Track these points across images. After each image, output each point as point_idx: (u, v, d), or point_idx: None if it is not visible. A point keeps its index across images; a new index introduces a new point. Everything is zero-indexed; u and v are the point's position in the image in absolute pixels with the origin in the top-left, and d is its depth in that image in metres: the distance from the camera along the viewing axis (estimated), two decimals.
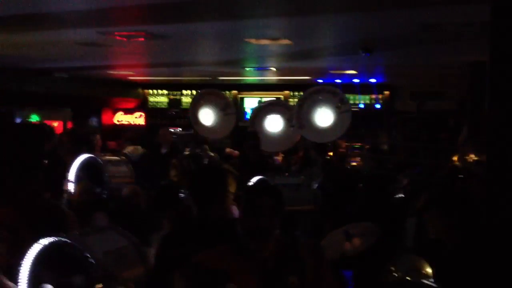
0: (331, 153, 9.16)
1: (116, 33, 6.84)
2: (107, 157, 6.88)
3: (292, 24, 6.44)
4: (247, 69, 10.83)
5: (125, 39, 7.15)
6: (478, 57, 7.74)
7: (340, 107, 7.61)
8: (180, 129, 14.30)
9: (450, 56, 8.34)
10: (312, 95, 7.83)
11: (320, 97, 7.71)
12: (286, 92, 13.66)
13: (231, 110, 8.25)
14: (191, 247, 2.90)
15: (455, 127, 11.58)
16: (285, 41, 7.24)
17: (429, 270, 2.87)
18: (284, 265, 2.55)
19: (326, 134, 7.72)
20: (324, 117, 7.64)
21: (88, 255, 3.10)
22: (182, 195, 5.28)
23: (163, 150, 8.43)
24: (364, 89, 12.99)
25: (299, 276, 2.52)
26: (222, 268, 2.50)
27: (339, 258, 3.80)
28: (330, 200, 5.76)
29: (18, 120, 12.65)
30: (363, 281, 4.09)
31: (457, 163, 6.54)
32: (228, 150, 9.39)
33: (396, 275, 2.94)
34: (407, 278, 2.90)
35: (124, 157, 7.09)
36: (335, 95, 7.74)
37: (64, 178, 5.92)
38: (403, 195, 5.52)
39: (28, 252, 3.26)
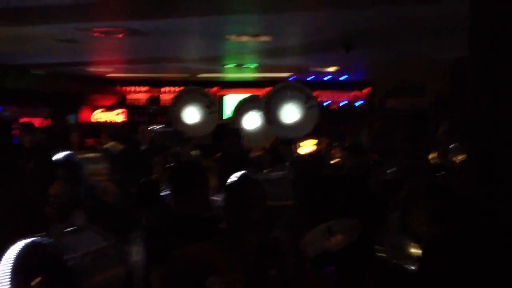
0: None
1: (94, 29, 6.74)
2: (85, 155, 6.79)
3: (272, 21, 6.41)
4: (228, 66, 10.79)
5: (103, 35, 7.06)
6: (459, 53, 7.79)
7: (307, 102, 7.61)
8: (160, 126, 14.21)
9: (431, 53, 8.39)
10: (279, 91, 7.83)
11: (287, 93, 7.71)
12: (267, 89, 13.63)
13: (215, 108, 8.22)
14: (167, 243, 2.87)
15: (433, 123, 11.66)
16: (265, 38, 7.21)
17: (413, 250, 2.85)
18: (265, 258, 2.57)
19: (293, 130, 7.73)
20: (291, 113, 7.65)
21: (67, 258, 3.04)
22: (163, 192, 5.23)
23: (143, 147, 8.36)
24: (344, 86, 13.03)
25: (279, 269, 2.54)
26: (205, 261, 2.49)
27: (321, 254, 3.78)
28: (302, 196, 5.74)
29: None
30: (346, 277, 4.08)
31: (436, 160, 6.55)
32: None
33: (380, 255, 2.93)
34: (391, 258, 2.89)
35: (102, 154, 6.99)
36: (301, 91, 7.75)
37: (50, 174, 5.85)
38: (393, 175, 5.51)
39: (5, 253, 3.19)
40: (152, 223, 4.19)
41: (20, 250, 3.16)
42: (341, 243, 3.82)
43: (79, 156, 6.50)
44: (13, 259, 3.15)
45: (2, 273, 3.18)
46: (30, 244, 3.17)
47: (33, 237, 3.21)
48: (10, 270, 3.17)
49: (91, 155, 6.83)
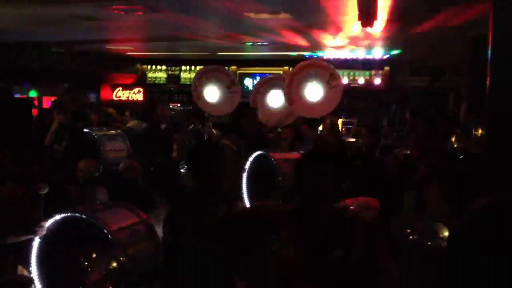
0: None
1: (114, 6, 6.76)
2: (103, 132, 6.85)
3: None
4: (247, 44, 10.75)
5: (122, 12, 7.08)
6: (479, 31, 7.67)
7: (331, 82, 7.52)
8: (179, 104, 14.26)
9: (452, 31, 8.27)
10: (302, 69, 7.75)
11: (310, 71, 7.62)
12: (286, 67, 13.58)
13: (236, 88, 8.18)
14: (183, 220, 2.90)
15: (454, 104, 11.56)
16: (285, 15, 7.16)
17: (446, 233, 2.80)
18: (332, 236, 2.49)
19: (316, 109, 7.65)
20: (314, 92, 7.57)
21: (105, 230, 3.11)
22: (182, 170, 5.30)
23: (163, 126, 8.42)
24: (364, 64, 12.91)
25: (345, 250, 2.45)
26: (267, 219, 2.47)
27: None
28: None
29: (16, 96, 12.64)
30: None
31: (455, 144, 6.50)
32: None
33: (412, 237, 2.88)
34: (425, 241, 2.83)
35: (120, 131, 7.05)
36: (325, 70, 7.66)
37: (86, 152, 5.95)
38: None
39: (44, 227, 3.26)
40: (166, 201, 4.25)
41: (59, 222, 3.24)
42: None
43: (97, 133, 6.57)
44: (50, 233, 3.24)
45: (36, 249, 3.27)
46: (69, 217, 3.26)
47: (70, 211, 3.30)
48: (46, 245, 3.26)
49: (110, 132, 6.90)
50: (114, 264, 3.06)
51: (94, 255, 3.01)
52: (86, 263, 3.04)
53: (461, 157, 5.32)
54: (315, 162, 2.61)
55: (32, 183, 4.21)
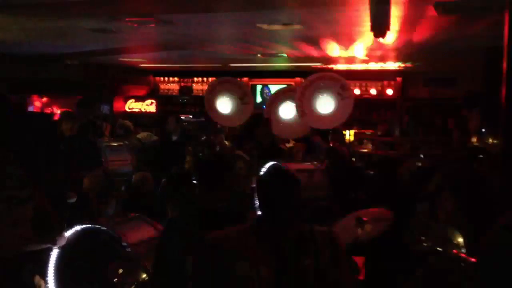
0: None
1: (127, 19, 6.82)
2: (106, 143, 6.89)
3: (304, 9, 6.38)
4: (259, 55, 10.77)
5: (135, 24, 7.13)
6: (493, 43, 7.63)
7: (341, 93, 7.53)
8: (191, 116, 14.32)
9: (464, 41, 8.24)
10: (314, 81, 7.76)
11: (321, 84, 7.63)
12: (298, 79, 13.59)
13: (248, 99, 8.21)
14: (194, 232, 2.90)
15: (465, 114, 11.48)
16: (297, 27, 7.18)
17: (460, 240, 2.76)
18: (300, 248, 2.56)
19: (328, 121, 7.65)
20: (325, 104, 7.57)
21: (125, 243, 3.12)
22: (195, 181, 5.30)
23: (174, 137, 8.45)
24: (376, 75, 12.90)
25: (314, 259, 2.54)
26: (235, 246, 2.51)
27: (351, 244, 3.79)
28: (335, 185, 5.74)
29: (30, 109, 12.74)
30: (375, 267, 4.07)
31: (476, 144, 6.48)
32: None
33: (426, 244, 2.85)
34: (437, 248, 2.80)
35: (127, 142, 7.08)
36: (336, 82, 7.67)
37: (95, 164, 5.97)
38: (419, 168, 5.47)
39: (64, 236, 3.27)
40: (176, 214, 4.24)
41: (79, 232, 3.24)
42: (371, 233, 3.81)
43: (101, 144, 6.61)
44: (69, 243, 3.24)
45: (54, 259, 3.27)
46: (90, 229, 3.26)
47: (90, 223, 3.31)
48: (66, 256, 3.26)
49: (114, 143, 6.94)
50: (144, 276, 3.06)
51: (121, 271, 3.00)
52: (115, 279, 3.02)
53: (480, 156, 5.30)
54: (276, 185, 2.64)
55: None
